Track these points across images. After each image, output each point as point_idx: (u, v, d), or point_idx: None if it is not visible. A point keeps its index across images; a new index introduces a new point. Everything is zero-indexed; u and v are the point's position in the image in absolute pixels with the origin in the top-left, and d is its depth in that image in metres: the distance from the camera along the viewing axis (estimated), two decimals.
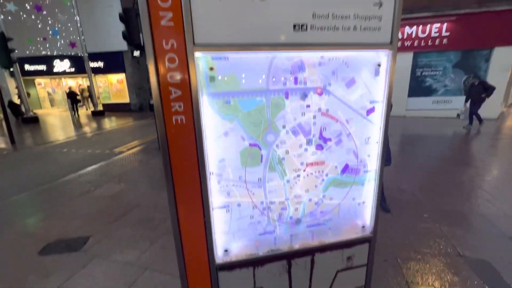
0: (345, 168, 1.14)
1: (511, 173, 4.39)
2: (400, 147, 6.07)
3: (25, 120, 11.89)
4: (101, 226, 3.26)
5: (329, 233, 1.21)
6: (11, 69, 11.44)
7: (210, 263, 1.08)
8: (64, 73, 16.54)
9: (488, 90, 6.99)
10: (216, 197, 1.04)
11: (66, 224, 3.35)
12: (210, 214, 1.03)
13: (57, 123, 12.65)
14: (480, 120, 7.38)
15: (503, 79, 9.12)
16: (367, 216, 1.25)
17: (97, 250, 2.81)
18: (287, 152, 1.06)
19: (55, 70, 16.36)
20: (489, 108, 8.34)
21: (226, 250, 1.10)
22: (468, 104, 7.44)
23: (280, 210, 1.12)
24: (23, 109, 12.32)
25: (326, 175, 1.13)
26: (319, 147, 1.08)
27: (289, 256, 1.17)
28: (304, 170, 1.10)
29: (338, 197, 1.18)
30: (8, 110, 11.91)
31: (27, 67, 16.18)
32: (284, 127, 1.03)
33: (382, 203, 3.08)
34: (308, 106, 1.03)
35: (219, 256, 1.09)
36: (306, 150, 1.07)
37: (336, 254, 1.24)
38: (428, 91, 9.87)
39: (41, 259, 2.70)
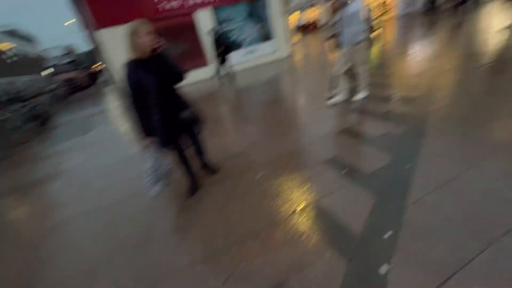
0: None
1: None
2: (227, 106, 5.66)
3: None
4: None
5: None
6: None
7: None
8: None
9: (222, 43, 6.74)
10: None
11: None
12: None
13: None
14: (218, 72, 7.20)
15: (281, 23, 10.75)
16: None
17: None
18: None
19: None
20: (282, 49, 10.99)
21: None
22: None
23: None
24: None
25: None
26: None
27: None
28: None
29: None
30: None
31: None
32: None
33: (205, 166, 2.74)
34: None
35: None
36: None
37: None
38: (238, 44, 10.26)
39: None
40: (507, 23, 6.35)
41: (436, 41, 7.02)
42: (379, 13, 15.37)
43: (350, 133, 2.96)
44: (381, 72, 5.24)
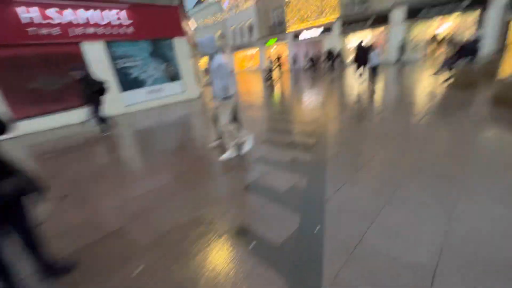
0: None
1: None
2: (109, 158, 4.47)
3: None
4: None
5: None
6: None
7: None
8: None
9: (94, 85, 5.56)
10: None
11: None
12: None
13: None
14: (102, 120, 5.97)
15: (189, 65, 10.68)
16: None
17: None
18: None
19: None
20: (191, 90, 10.80)
21: None
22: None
23: None
24: None
25: None
26: None
27: None
28: None
29: None
30: None
31: None
32: None
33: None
34: None
35: None
36: None
37: None
38: (139, 83, 9.53)
39: None
40: (361, 83, 8.50)
41: (319, 92, 8.47)
42: (276, 65, 18.03)
43: (256, 189, 2.67)
44: (281, 118, 5.62)
